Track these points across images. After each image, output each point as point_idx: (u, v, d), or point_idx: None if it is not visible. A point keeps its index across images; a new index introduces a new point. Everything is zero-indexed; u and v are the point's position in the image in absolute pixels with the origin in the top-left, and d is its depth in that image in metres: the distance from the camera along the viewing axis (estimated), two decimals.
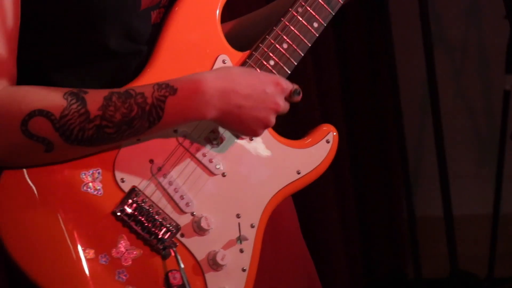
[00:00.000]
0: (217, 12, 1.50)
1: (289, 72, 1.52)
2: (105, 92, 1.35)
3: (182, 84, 1.38)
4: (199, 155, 1.45)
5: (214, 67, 1.47)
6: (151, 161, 1.42)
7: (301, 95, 1.47)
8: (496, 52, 3.48)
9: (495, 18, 3.43)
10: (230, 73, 1.41)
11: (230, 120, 1.41)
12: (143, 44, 1.46)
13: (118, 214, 1.38)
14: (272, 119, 1.44)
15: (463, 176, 3.58)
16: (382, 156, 3.55)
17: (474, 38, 3.61)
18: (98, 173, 1.39)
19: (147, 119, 1.36)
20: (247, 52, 1.51)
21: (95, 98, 1.34)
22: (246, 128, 1.43)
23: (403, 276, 3.58)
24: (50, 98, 1.33)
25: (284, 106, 1.44)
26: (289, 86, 1.45)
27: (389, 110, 3.56)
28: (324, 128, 1.55)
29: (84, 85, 1.38)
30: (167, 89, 1.37)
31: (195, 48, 1.48)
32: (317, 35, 1.54)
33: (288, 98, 1.45)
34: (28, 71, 1.39)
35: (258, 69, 1.48)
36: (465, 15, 3.58)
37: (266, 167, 1.49)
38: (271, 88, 1.42)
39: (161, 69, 1.45)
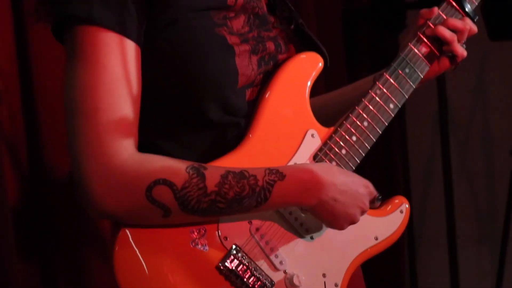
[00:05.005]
0: (307, 90, 1.67)
1: (369, 148, 1.69)
2: (222, 170, 1.51)
3: (290, 171, 1.54)
4: (291, 219, 1.61)
5: (304, 140, 1.64)
6: (250, 222, 1.57)
7: (380, 202, 1.65)
8: (501, 133, 3.65)
9: (500, 99, 3.64)
10: (331, 169, 1.58)
11: (323, 211, 1.56)
12: (240, 118, 1.62)
13: (222, 268, 1.53)
14: (358, 217, 1.59)
15: (464, 252, 3.72)
16: None
17: (479, 118, 3.79)
18: (205, 230, 1.53)
19: (256, 199, 1.51)
20: (332, 128, 1.68)
21: (213, 175, 1.49)
22: (335, 220, 1.58)
23: None
24: (175, 169, 1.48)
25: (368, 207, 1.61)
26: (374, 191, 1.63)
27: (398, 175, 3.72)
28: (397, 200, 1.72)
29: (186, 152, 1.54)
30: (277, 174, 1.53)
31: (287, 122, 1.64)
32: (393, 116, 1.72)
33: (370, 202, 1.63)
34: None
35: (343, 144, 1.65)
36: (472, 95, 3.77)
37: (348, 233, 1.65)
38: (363, 190, 1.59)
39: (259, 140, 1.60)
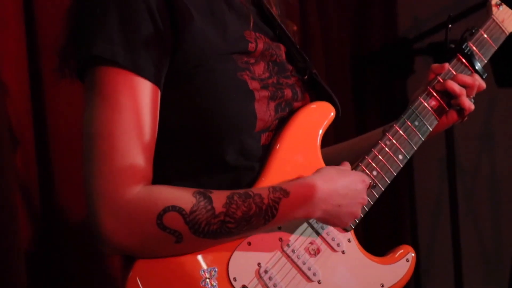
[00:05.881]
0: (318, 138, 1.72)
1: (377, 197, 1.74)
2: (227, 192, 1.56)
3: (294, 188, 1.60)
4: (299, 262, 1.65)
5: None
6: (259, 264, 1.62)
7: (374, 187, 1.73)
8: (508, 178, 3.68)
9: (507, 145, 3.68)
10: (331, 175, 1.63)
11: (329, 218, 1.64)
12: (255, 161, 1.67)
13: None
14: (360, 212, 1.67)
15: None
16: None
17: (486, 164, 3.82)
18: (215, 271, 1.58)
19: (263, 217, 1.56)
20: None
21: (219, 197, 1.55)
22: (341, 222, 1.66)
23: None
24: (181, 196, 1.54)
25: (366, 200, 1.68)
26: (368, 180, 1.69)
27: (405, 220, 3.75)
28: (404, 249, 1.77)
29: None
30: (281, 192, 1.58)
31: (298, 168, 1.68)
32: (402, 166, 1.76)
33: (368, 191, 1.70)
34: (155, 177, 1.59)
35: None
36: (479, 141, 3.80)
37: (355, 278, 1.69)
38: (360, 186, 1.66)
39: (270, 184, 1.64)
